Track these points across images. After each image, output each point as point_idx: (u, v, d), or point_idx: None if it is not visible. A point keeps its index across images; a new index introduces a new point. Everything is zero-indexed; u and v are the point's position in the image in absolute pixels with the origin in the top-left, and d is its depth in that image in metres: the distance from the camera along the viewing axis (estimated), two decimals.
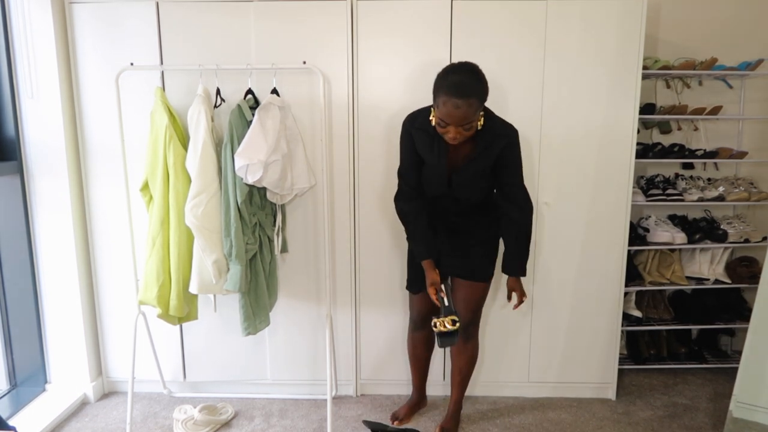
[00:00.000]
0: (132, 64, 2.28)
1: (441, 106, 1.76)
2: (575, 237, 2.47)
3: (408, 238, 2.16)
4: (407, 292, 2.31)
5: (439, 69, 2.31)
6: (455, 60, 2.31)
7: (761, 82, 2.83)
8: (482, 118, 1.87)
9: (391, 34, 2.32)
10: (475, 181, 1.98)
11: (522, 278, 2.15)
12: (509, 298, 2.17)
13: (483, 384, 2.63)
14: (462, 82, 1.75)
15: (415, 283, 2.22)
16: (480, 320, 2.27)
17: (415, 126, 1.98)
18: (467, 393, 2.62)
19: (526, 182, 2.41)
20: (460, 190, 2.00)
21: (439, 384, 2.62)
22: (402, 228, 2.18)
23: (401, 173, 2.07)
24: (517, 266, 2.10)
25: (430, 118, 1.90)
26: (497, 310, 2.55)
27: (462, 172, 1.96)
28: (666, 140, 2.85)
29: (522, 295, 2.13)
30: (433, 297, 2.04)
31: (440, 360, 2.58)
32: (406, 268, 2.28)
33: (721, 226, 2.72)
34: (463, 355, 2.27)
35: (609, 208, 2.44)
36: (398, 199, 2.11)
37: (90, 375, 2.58)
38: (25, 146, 2.40)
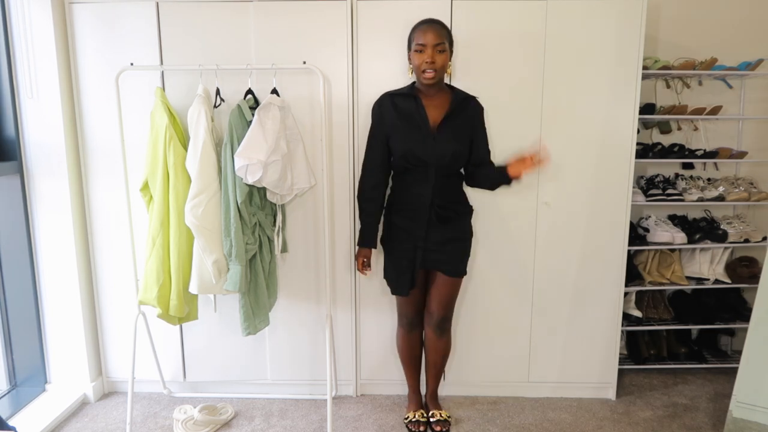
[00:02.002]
0: (132, 64, 2.28)
1: (416, 35, 2.04)
2: (575, 237, 2.47)
3: (361, 218, 2.24)
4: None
5: None
6: (455, 60, 2.33)
7: (761, 82, 2.83)
8: (449, 66, 2.12)
9: (391, 34, 2.32)
10: (457, 139, 2.09)
11: (521, 276, 2.44)
12: (519, 169, 2.07)
13: (483, 384, 2.63)
14: (431, 18, 2.10)
15: (402, 284, 2.20)
16: (453, 314, 2.34)
17: (392, 93, 2.16)
18: (467, 393, 2.63)
19: (527, 182, 2.42)
20: (444, 149, 2.07)
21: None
22: None
23: (367, 152, 2.21)
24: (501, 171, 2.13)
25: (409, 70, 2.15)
26: (497, 311, 2.55)
27: (443, 128, 2.08)
28: (666, 140, 2.85)
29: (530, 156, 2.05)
30: (362, 270, 2.25)
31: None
32: (385, 273, 2.28)
33: (721, 226, 2.72)
34: (438, 351, 2.34)
35: (609, 208, 2.44)
36: (363, 176, 2.22)
37: (90, 375, 2.58)
38: (25, 146, 2.40)
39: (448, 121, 2.09)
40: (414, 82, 2.17)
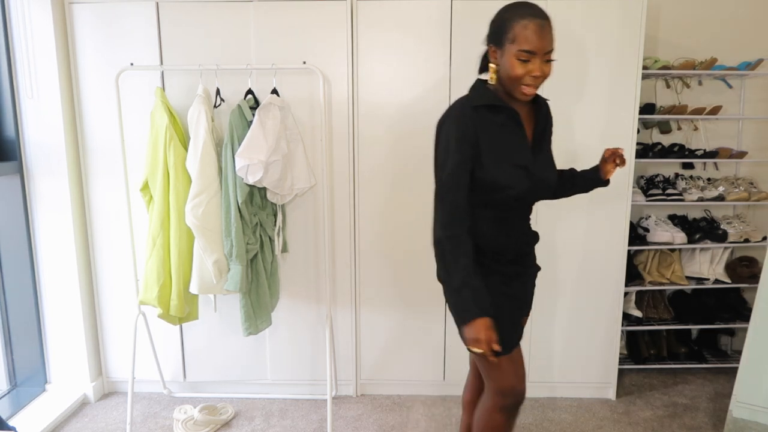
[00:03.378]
0: (132, 64, 2.28)
1: (519, 34, 1.42)
2: (575, 237, 2.47)
3: (465, 278, 1.44)
4: (449, 325, 1.92)
5: (439, 69, 2.35)
6: (455, 59, 2.32)
7: (761, 82, 2.83)
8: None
9: (391, 34, 2.32)
10: (551, 155, 1.68)
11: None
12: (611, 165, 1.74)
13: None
14: (536, 6, 1.48)
15: (513, 337, 1.60)
16: None
17: (475, 105, 1.50)
18: None
19: None
20: (545, 173, 1.60)
21: (438, 383, 2.62)
22: (402, 233, 2.16)
23: (449, 186, 1.48)
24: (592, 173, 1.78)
25: (489, 82, 1.52)
26: None
27: (538, 147, 1.59)
28: (666, 140, 2.85)
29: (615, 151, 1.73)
30: (491, 357, 1.44)
31: (440, 360, 2.58)
32: (503, 320, 1.54)
33: (721, 226, 2.72)
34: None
35: (609, 208, 2.44)
36: (449, 222, 1.47)
37: (90, 375, 2.58)
38: (25, 146, 2.40)
39: (541, 138, 1.62)
40: (486, 82, 1.55)
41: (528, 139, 1.56)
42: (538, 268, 1.72)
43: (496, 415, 1.59)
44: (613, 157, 1.71)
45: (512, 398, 1.58)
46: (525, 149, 1.55)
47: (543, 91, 2.35)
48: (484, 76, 1.57)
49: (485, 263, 1.54)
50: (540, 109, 1.62)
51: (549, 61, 1.47)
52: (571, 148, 2.40)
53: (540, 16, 1.45)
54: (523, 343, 2.54)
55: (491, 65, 1.52)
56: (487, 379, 1.61)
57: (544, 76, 1.47)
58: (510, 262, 1.59)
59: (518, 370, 1.59)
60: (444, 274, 1.50)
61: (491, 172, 1.49)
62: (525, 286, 1.67)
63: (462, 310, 1.46)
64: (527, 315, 1.73)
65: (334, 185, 2.44)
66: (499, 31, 1.48)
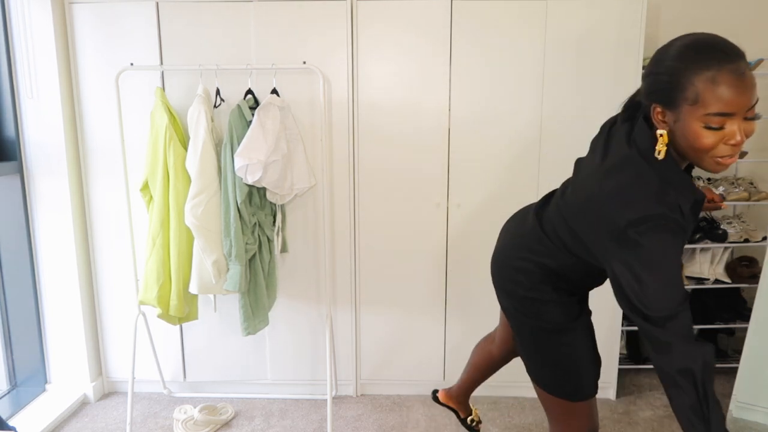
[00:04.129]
0: (132, 64, 2.28)
1: (708, 91, 1.00)
2: None
3: (712, 400, 1.05)
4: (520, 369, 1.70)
5: (439, 69, 2.34)
6: (455, 59, 2.32)
7: (761, 82, 2.83)
8: None
9: (391, 34, 2.32)
10: None
11: None
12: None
13: (483, 384, 2.62)
14: (724, 41, 1.09)
15: (598, 377, 1.50)
16: None
17: (678, 197, 1.10)
18: None
19: (527, 182, 2.42)
20: None
21: (438, 383, 2.61)
22: (402, 233, 2.15)
23: (673, 299, 1.05)
24: None
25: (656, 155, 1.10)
26: (497, 311, 2.55)
27: None
28: None
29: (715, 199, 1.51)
30: None
31: (440, 360, 2.58)
32: (574, 365, 1.45)
33: (721, 226, 2.71)
34: None
35: None
36: (680, 344, 1.05)
37: (90, 375, 2.58)
38: (25, 146, 2.40)
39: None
40: (678, 172, 1.12)
41: None
42: None
43: None
44: (712, 207, 1.51)
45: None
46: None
47: (543, 90, 2.35)
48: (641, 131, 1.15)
49: (574, 303, 1.44)
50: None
51: (751, 118, 1.03)
52: (572, 147, 2.40)
53: (734, 57, 1.05)
54: None
55: (659, 133, 1.08)
56: (563, 423, 1.47)
57: (745, 140, 1.03)
58: (585, 299, 1.51)
59: (595, 408, 1.49)
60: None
61: None
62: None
63: None
64: None
65: (334, 185, 2.44)
66: (669, 86, 1.05)
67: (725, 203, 1.46)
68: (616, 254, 1.09)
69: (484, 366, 1.92)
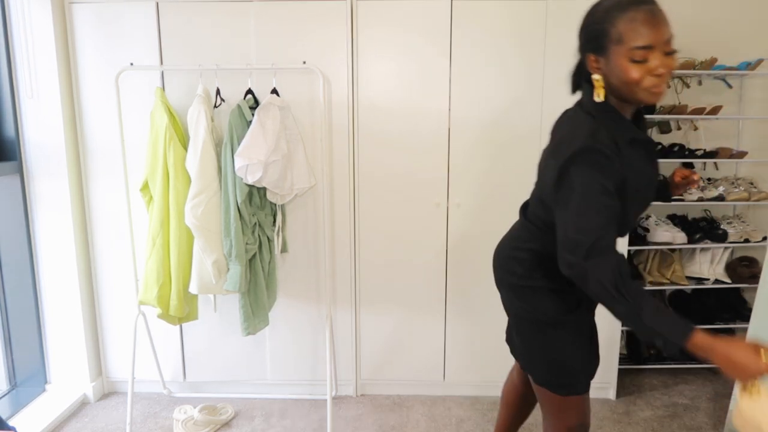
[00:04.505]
0: (132, 64, 2.28)
1: (627, 30, 1.18)
2: None
3: (644, 299, 1.16)
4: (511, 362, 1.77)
5: (439, 69, 2.34)
6: (455, 59, 2.32)
7: (761, 82, 2.83)
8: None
9: (391, 34, 2.32)
10: None
11: None
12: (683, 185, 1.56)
13: (483, 384, 2.63)
14: None
15: (593, 374, 1.52)
16: None
17: (613, 136, 1.24)
18: (467, 393, 2.62)
19: (527, 182, 2.42)
20: (652, 197, 1.43)
21: (438, 383, 2.62)
22: (402, 233, 2.15)
23: (601, 225, 1.18)
24: None
25: (596, 99, 1.27)
26: (498, 310, 2.55)
27: (655, 168, 1.38)
28: (666, 140, 2.85)
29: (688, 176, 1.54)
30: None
31: (440, 360, 2.58)
32: (568, 360, 1.47)
33: (721, 226, 2.72)
34: None
35: None
36: (603, 251, 1.17)
37: (90, 375, 2.58)
38: (25, 146, 2.40)
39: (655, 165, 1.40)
40: (612, 112, 1.29)
41: (655, 171, 1.36)
42: None
43: None
44: (687, 182, 1.54)
45: (585, 426, 1.50)
46: (653, 183, 1.35)
47: (543, 91, 2.35)
48: (578, 95, 1.36)
49: (571, 295, 1.43)
50: (643, 129, 1.39)
51: (670, 53, 1.21)
52: None
53: (647, 1, 1.22)
54: None
55: (594, 78, 1.26)
56: (555, 416, 1.50)
57: (670, 71, 1.21)
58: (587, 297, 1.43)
59: (588, 405, 1.51)
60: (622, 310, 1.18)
61: (623, 212, 1.24)
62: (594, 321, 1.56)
63: (665, 333, 1.14)
64: None
65: (334, 185, 2.44)
66: (597, 34, 1.23)
67: (698, 175, 1.52)
68: (556, 198, 1.24)
69: (512, 399, 1.85)
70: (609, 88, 1.26)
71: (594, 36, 1.24)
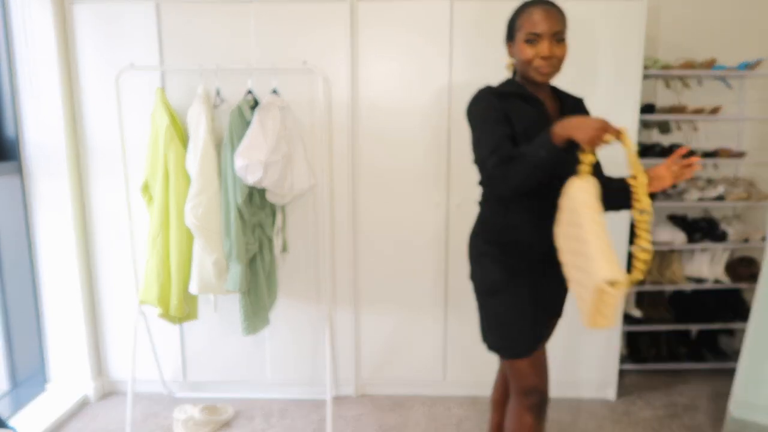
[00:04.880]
0: (132, 64, 2.28)
1: (525, 21, 1.51)
2: None
3: (530, 166, 1.39)
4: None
5: (440, 68, 2.35)
6: (455, 59, 2.33)
7: (761, 82, 2.83)
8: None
9: (392, 34, 2.32)
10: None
11: None
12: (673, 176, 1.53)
13: (483, 384, 2.62)
14: None
15: (527, 340, 1.59)
16: None
17: (497, 91, 1.55)
18: (467, 393, 2.62)
19: None
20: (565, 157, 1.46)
21: (438, 383, 2.62)
22: (402, 233, 2.15)
23: (494, 141, 1.45)
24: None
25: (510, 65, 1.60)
26: None
27: (544, 121, 1.54)
28: (666, 140, 2.85)
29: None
30: (612, 136, 1.32)
31: (440, 360, 2.58)
32: (499, 325, 1.60)
33: (721, 226, 2.72)
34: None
35: None
36: (495, 150, 1.43)
37: (90, 375, 2.58)
38: (25, 146, 2.40)
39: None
40: (511, 79, 1.62)
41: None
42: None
43: (525, 417, 1.60)
44: (682, 171, 1.52)
45: (535, 397, 1.59)
46: (535, 131, 1.48)
47: None
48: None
49: (512, 260, 1.56)
50: (568, 105, 1.63)
51: (560, 41, 1.52)
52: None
53: (544, 2, 1.53)
54: None
55: (509, 61, 1.63)
56: (511, 380, 1.63)
57: (556, 56, 1.51)
58: (539, 261, 1.55)
59: (539, 370, 1.62)
60: (522, 171, 1.40)
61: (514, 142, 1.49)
62: (551, 286, 1.61)
63: (542, 145, 1.37)
64: (557, 316, 1.73)
65: (334, 185, 2.44)
66: (510, 26, 1.59)
67: (696, 158, 1.52)
68: (471, 139, 1.54)
69: (499, 398, 1.95)
70: (517, 70, 1.60)
71: (509, 27, 1.59)
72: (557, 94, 1.65)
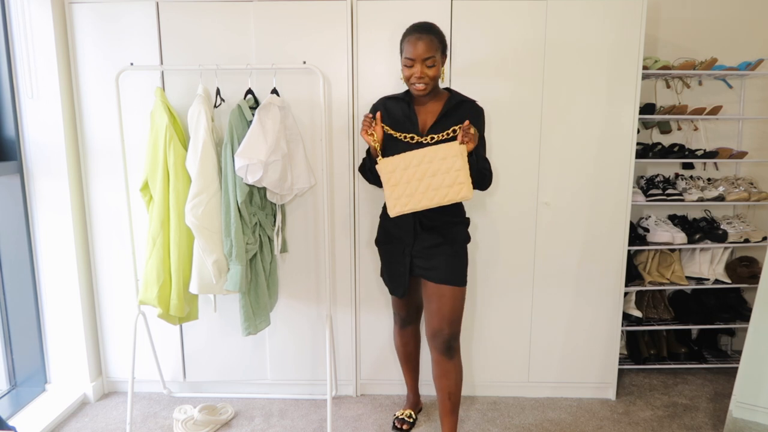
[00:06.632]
0: (132, 64, 2.28)
1: (405, 47, 1.92)
2: (575, 237, 2.47)
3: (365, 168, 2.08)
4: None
5: None
6: (455, 59, 2.33)
7: (761, 82, 2.83)
8: (442, 72, 1.97)
9: (392, 34, 2.32)
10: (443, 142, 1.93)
11: (521, 276, 2.42)
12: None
13: (483, 384, 2.63)
14: (421, 23, 1.95)
15: (396, 288, 2.14)
16: (460, 333, 2.06)
17: (388, 97, 2.08)
18: (467, 393, 2.62)
19: (527, 182, 2.42)
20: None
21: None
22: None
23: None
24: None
25: (401, 78, 2.00)
26: (497, 310, 2.55)
27: (430, 131, 1.95)
28: (666, 140, 2.85)
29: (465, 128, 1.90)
30: (371, 129, 1.96)
31: None
32: (381, 274, 2.22)
33: (721, 226, 2.72)
34: (449, 376, 2.05)
35: (609, 208, 2.44)
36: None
37: (90, 375, 2.58)
38: (25, 146, 2.40)
39: (438, 125, 1.94)
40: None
41: (419, 125, 1.98)
42: (440, 242, 2.01)
43: (393, 326, 2.38)
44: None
45: (395, 317, 2.32)
46: (412, 132, 1.97)
47: (543, 91, 2.35)
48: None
49: (383, 217, 2.14)
50: (450, 105, 1.97)
51: (431, 66, 1.89)
52: (572, 147, 2.40)
53: (419, 31, 1.90)
54: (523, 342, 2.56)
55: (400, 77, 1.99)
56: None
57: (428, 76, 1.90)
58: (394, 224, 2.07)
59: (398, 304, 2.26)
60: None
61: (384, 147, 1.99)
62: (404, 248, 2.06)
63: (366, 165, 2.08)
64: (429, 279, 2.02)
65: (334, 185, 2.44)
66: (400, 47, 1.98)
67: (469, 126, 1.87)
68: None
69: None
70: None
71: (400, 47, 1.97)
72: (451, 96, 2.00)
